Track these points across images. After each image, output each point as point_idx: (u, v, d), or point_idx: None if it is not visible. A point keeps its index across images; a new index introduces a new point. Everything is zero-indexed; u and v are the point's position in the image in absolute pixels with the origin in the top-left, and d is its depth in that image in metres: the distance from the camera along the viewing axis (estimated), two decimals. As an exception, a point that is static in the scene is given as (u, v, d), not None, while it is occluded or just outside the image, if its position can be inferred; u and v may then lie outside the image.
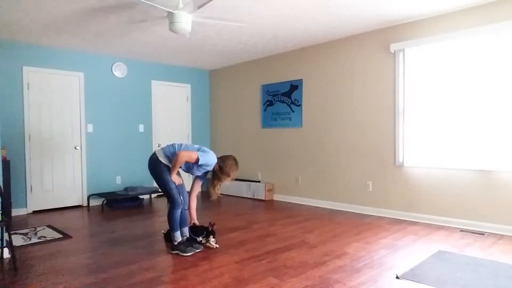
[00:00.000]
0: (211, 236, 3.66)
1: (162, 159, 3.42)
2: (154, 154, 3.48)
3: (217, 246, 3.65)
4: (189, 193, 3.71)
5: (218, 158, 3.56)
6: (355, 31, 5.13)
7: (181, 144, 3.51)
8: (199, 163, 3.36)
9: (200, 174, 3.62)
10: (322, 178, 5.80)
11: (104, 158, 6.35)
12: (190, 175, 3.94)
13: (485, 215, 4.16)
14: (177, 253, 3.44)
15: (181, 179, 3.54)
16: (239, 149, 7.19)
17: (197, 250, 3.51)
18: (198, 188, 3.73)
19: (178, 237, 3.50)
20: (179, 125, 7.40)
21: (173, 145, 3.48)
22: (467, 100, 4.25)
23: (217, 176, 3.55)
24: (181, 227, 3.56)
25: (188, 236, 3.64)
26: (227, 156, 3.63)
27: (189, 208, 3.71)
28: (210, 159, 3.44)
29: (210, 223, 3.73)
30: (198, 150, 3.44)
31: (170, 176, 3.40)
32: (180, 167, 3.47)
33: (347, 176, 5.46)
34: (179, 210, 3.49)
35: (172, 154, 3.42)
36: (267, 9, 4.21)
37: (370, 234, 4.10)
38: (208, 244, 3.63)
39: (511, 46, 3.93)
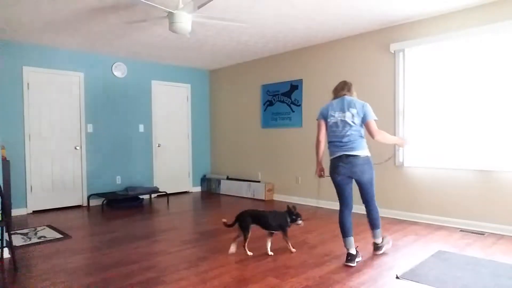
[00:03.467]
0: (299, 218, 3.55)
1: (367, 152, 3.28)
2: (364, 156, 3.23)
3: (294, 250, 3.53)
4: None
5: (344, 91, 3.24)
6: (355, 31, 5.13)
7: (344, 122, 3.17)
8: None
9: None
10: (322, 178, 5.78)
11: (104, 158, 6.35)
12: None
13: (485, 215, 4.16)
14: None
15: None
16: (239, 149, 7.20)
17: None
18: None
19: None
20: (179, 125, 7.40)
21: (346, 136, 3.18)
22: (467, 100, 4.25)
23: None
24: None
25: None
26: (343, 83, 3.28)
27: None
28: (366, 107, 3.16)
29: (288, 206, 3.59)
30: (359, 110, 3.14)
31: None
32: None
33: (347, 176, 5.44)
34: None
35: (362, 134, 3.23)
36: (267, 9, 4.21)
37: (370, 234, 4.08)
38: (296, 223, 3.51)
39: (511, 46, 3.93)
